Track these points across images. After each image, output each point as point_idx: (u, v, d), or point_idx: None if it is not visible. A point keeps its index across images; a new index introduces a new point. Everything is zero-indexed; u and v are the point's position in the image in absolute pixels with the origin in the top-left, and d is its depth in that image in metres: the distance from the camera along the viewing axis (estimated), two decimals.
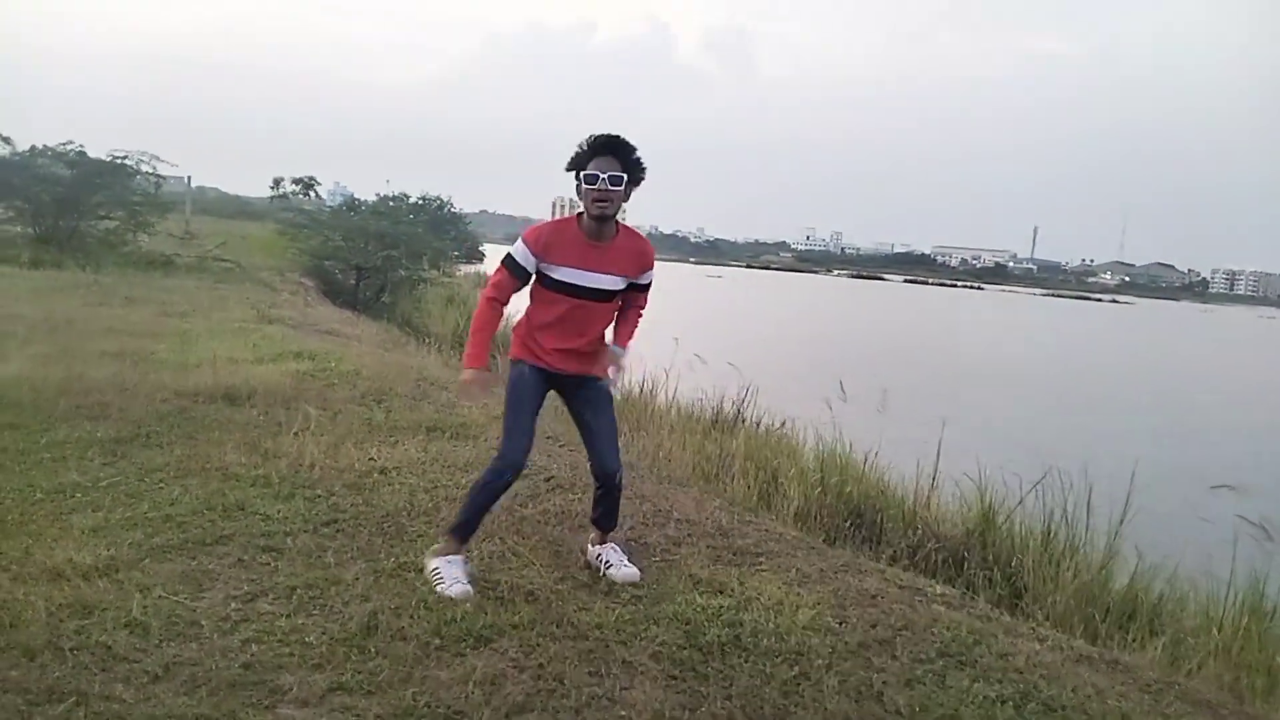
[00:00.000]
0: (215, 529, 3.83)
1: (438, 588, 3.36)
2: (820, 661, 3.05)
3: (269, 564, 3.53)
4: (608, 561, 3.69)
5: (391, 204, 34.81)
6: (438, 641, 3.00)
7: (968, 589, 5.89)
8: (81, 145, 15.53)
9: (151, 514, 3.93)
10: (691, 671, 2.94)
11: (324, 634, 2.99)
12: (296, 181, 28.29)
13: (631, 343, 3.70)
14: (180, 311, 10.41)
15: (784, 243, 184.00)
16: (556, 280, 3.43)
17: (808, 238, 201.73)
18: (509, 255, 3.48)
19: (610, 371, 3.61)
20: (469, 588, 3.37)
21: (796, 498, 6.76)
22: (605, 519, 3.77)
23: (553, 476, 4.84)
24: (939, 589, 3.89)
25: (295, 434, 5.22)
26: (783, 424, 9.87)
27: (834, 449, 8.26)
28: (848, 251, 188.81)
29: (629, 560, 3.72)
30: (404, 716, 2.57)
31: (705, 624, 3.24)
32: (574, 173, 3.39)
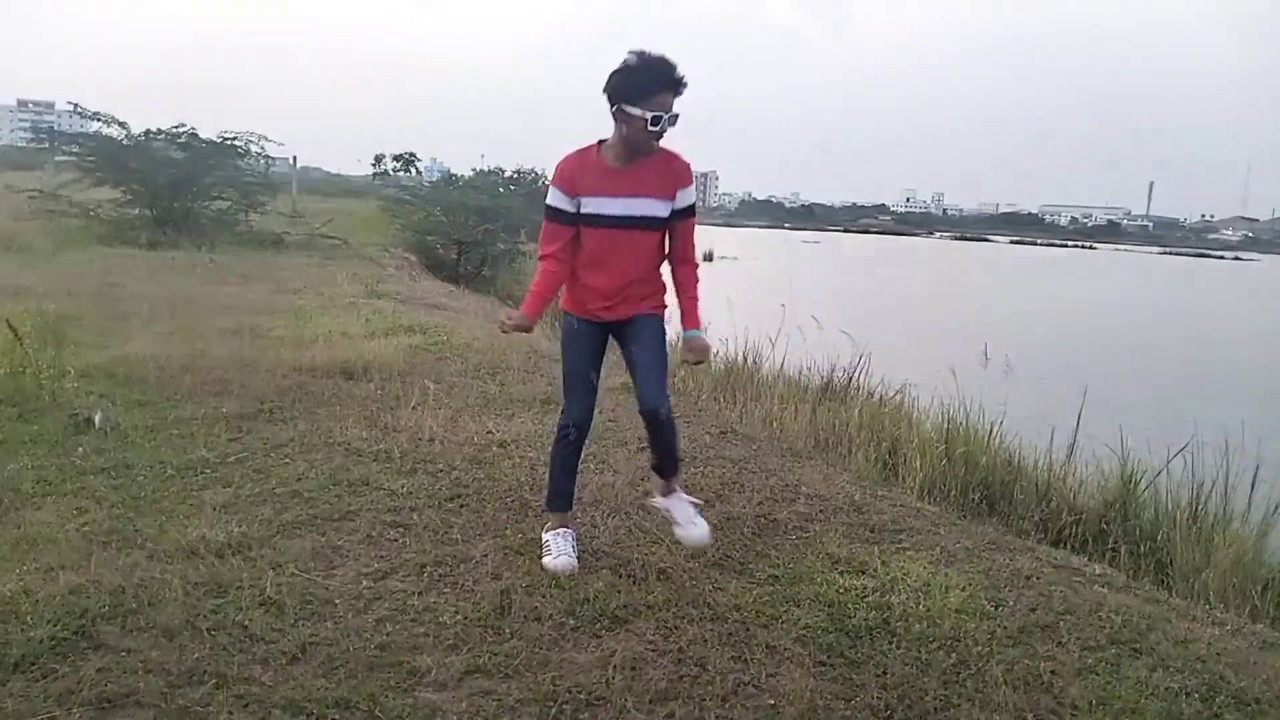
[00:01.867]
0: (342, 504, 3.81)
1: (543, 560, 3.31)
2: (979, 648, 2.84)
3: (397, 540, 3.49)
4: (675, 520, 3.41)
5: (488, 178, 35.19)
6: (572, 622, 2.90)
7: (1110, 564, 5.60)
8: (193, 128, 15.98)
9: (279, 490, 3.94)
10: (840, 657, 2.77)
11: (457, 613, 2.92)
12: (397, 158, 28.71)
13: (701, 318, 3.36)
14: (293, 288, 10.61)
15: (883, 205, 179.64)
16: (588, 215, 3.15)
17: (908, 200, 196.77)
18: (547, 205, 3.21)
19: (693, 357, 3.33)
20: (572, 560, 3.28)
21: (922, 470, 6.50)
22: (665, 465, 3.45)
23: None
24: (1098, 569, 3.64)
25: (413, 408, 5.21)
26: (898, 392, 9.54)
27: (957, 418, 7.95)
28: (950, 213, 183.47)
29: (699, 515, 3.42)
30: (544, 701, 2.47)
31: (850, 606, 3.06)
32: (621, 98, 3.01)
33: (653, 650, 2.76)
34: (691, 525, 3.40)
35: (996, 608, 3.13)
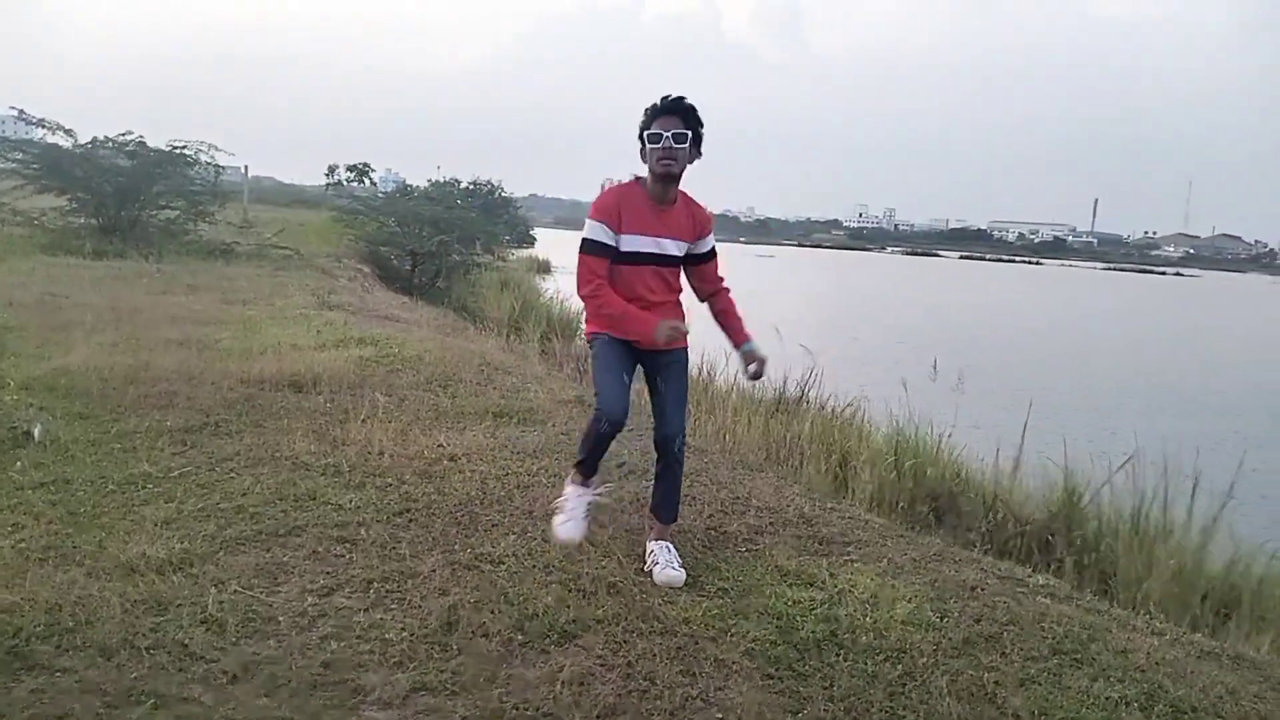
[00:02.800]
0: (288, 520, 3.75)
1: (554, 519, 3.58)
2: (925, 660, 2.87)
3: (343, 556, 3.44)
4: (655, 560, 3.44)
5: (444, 189, 34.97)
6: (520, 638, 2.88)
7: (1054, 574, 5.69)
8: (141, 136, 15.70)
9: (224, 505, 3.87)
10: (789, 670, 2.78)
11: (403, 630, 2.88)
12: (351, 169, 28.46)
13: (750, 331, 3.63)
14: (242, 299, 10.45)
15: (836, 220, 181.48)
16: (627, 252, 3.39)
17: (860, 215, 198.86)
18: (586, 240, 3.38)
19: (754, 369, 3.52)
20: (577, 533, 3.52)
21: (871, 482, 6.57)
22: (665, 505, 3.60)
23: (624, 461, 4.70)
24: (1041, 579, 3.69)
25: (363, 421, 5.15)
26: (849, 405, 9.64)
27: (907, 430, 8.05)
28: (901, 228, 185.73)
29: (678, 563, 3.45)
30: (491, 718, 2.45)
31: (798, 619, 3.08)
32: (640, 138, 3.38)
33: (601, 665, 2.75)
34: (671, 569, 3.41)
35: (942, 619, 3.16)
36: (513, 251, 37.29)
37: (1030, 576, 3.72)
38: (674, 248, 3.47)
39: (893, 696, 2.67)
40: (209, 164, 16.33)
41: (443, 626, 2.92)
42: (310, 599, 3.07)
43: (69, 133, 15.52)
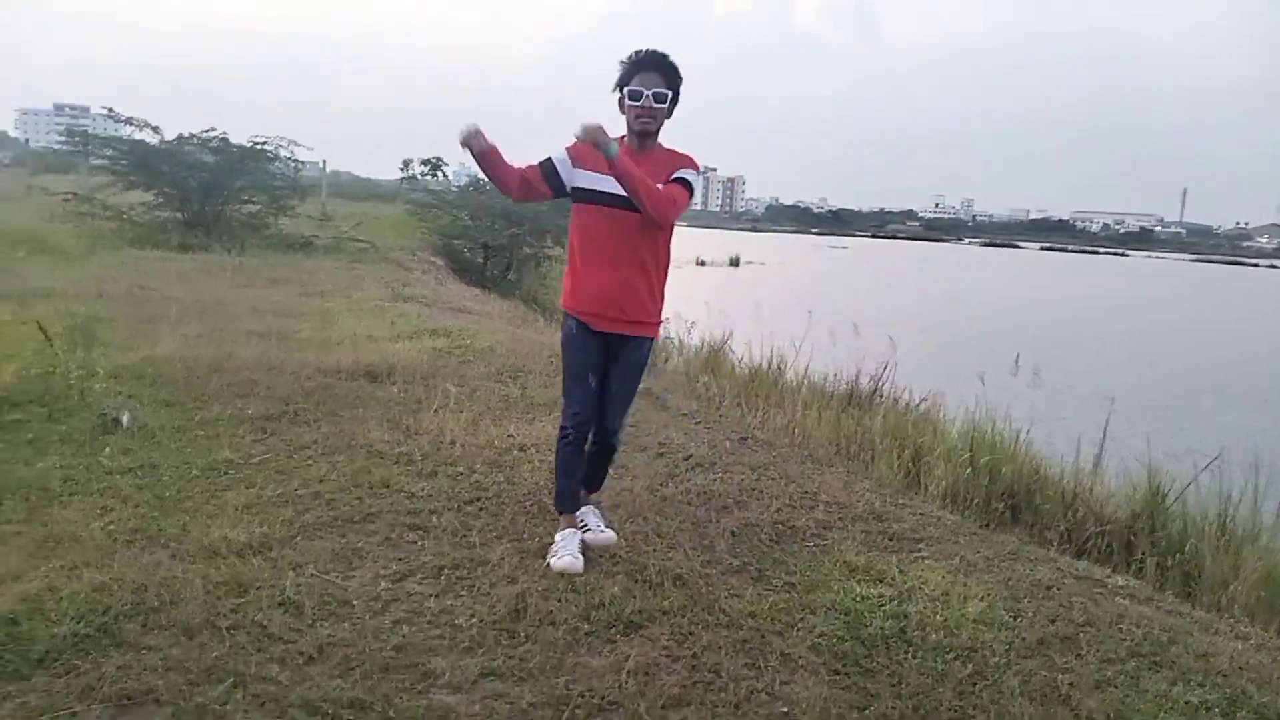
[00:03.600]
0: (363, 506, 3.84)
1: (550, 559, 3.37)
2: (997, 659, 2.82)
3: (415, 543, 3.51)
4: (584, 524, 3.57)
5: None
6: (587, 627, 2.91)
7: (1135, 575, 5.54)
8: (224, 132, 16.14)
9: (301, 491, 3.98)
10: (855, 666, 2.77)
11: (473, 616, 2.94)
12: (425, 163, 28.74)
13: (631, 171, 3.18)
14: (320, 291, 10.70)
15: (911, 211, 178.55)
16: (585, 189, 3.35)
17: (936, 205, 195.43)
18: (547, 156, 3.39)
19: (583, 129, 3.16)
20: (576, 561, 3.35)
21: (945, 478, 6.46)
22: (591, 478, 3.70)
23: (691, 455, 4.71)
24: (1120, 580, 3.59)
25: (435, 411, 5.24)
26: (923, 400, 9.50)
27: (983, 426, 7.91)
28: (979, 219, 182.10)
29: (606, 525, 3.61)
30: (557, 705, 2.48)
31: (867, 615, 3.05)
32: (617, 90, 3.32)
33: (667, 656, 2.77)
34: (601, 531, 3.56)
35: (1015, 618, 3.11)
36: None
37: (1109, 577, 3.62)
38: None
39: (962, 695, 2.63)
40: (288, 159, 16.71)
41: (511, 614, 2.96)
42: (383, 584, 3.15)
43: (156, 130, 16.05)
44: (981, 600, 3.18)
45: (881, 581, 3.32)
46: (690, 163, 3.45)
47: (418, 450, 4.58)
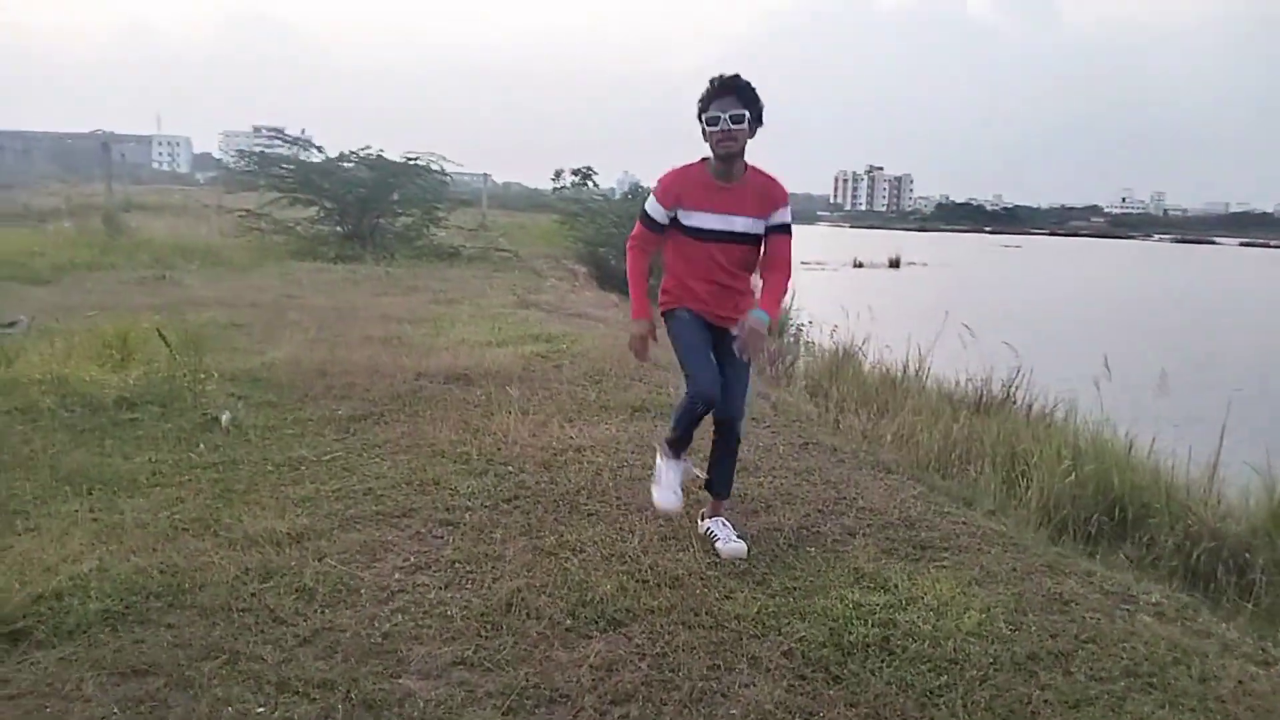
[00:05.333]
0: (406, 502, 4.06)
1: (652, 488, 3.69)
2: (975, 673, 2.73)
3: (442, 537, 3.69)
4: (714, 535, 3.66)
5: None
6: (569, 622, 3.00)
7: (1247, 597, 5.15)
8: (381, 149, 17.13)
9: (357, 487, 4.24)
10: (823, 673, 2.73)
11: (466, 608, 3.07)
12: (575, 172, 29.64)
13: (777, 309, 3.61)
14: (450, 298, 11.21)
15: (1095, 206, 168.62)
16: (690, 227, 3.47)
17: (1123, 200, 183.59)
18: (643, 209, 3.56)
19: (740, 334, 3.38)
20: (678, 500, 3.62)
21: (1044, 487, 6.16)
22: (719, 482, 3.77)
23: (739, 459, 4.69)
24: (1155, 596, 3.37)
25: (508, 413, 5.45)
26: (1053, 408, 9.06)
27: (1096, 433, 7.50)
28: (1171, 214, 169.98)
29: (737, 535, 3.66)
30: (512, 694, 2.58)
31: (854, 622, 3.00)
32: (699, 119, 3.41)
33: (635, 653, 2.82)
34: (731, 541, 3.62)
35: (1013, 631, 2.98)
36: None
37: (1145, 593, 3.40)
38: (742, 224, 3.47)
39: (923, 708, 2.56)
40: (438, 173, 17.53)
41: (502, 607, 3.09)
42: (397, 575, 3.34)
43: (320, 149, 17.23)
44: (982, 611, 3.07)
45: (884, 589, 3.25)
46: (783, 197, 3.57)
47: (477, 450, 4.78)
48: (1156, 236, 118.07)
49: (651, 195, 3.55)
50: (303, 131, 18.08)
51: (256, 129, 22.42)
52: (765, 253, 3.57)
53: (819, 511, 4.06)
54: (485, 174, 33.95)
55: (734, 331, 3.46)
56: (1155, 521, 6.03)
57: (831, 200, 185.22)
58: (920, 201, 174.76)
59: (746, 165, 3.48)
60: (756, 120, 3.39)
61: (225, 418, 5.19)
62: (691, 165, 3.52)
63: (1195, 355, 16.51)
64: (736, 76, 3.40)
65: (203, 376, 5.85)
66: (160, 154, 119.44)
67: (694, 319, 3.56)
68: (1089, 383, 9.57)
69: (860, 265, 40.57)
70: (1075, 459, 6.49)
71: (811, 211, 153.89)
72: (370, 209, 16.59)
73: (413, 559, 3.48)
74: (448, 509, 3.99)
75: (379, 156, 16.99)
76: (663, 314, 3.68)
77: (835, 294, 18.70)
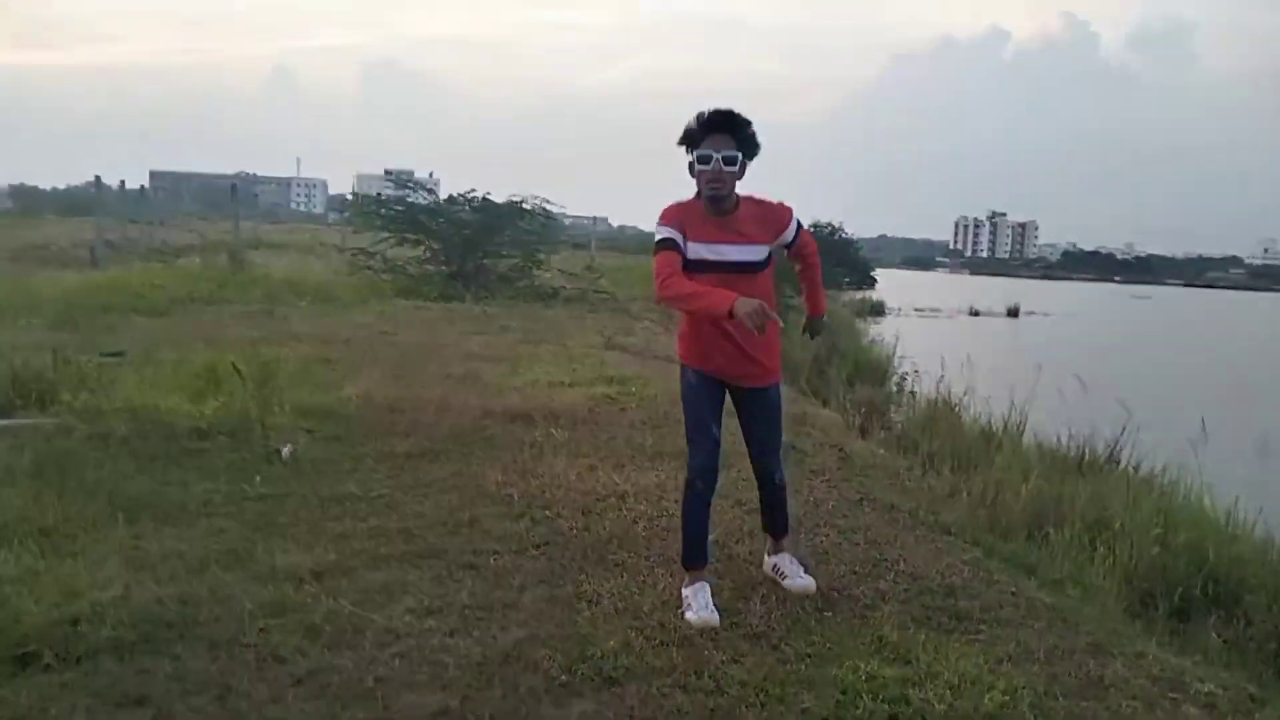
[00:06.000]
0: (437, 543, 4.05)
1: (686, 614, 3.34)
2: None
3: (462, 581, 3.65)
4: (782, 572, 3.66)
5: None
6: (565, 678, 2.90)
7: None
8: (488, 192, 17.56)
9: (394, 525, 4.25)
10: None
11: (465, 657, 3.01)
12: None
13: (822, 301, 3.80)
14: (538, 338, 11.31)
15: (1234, 257, 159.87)
16: (692, 260, 3.30)
17: (1265, 251, 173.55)
18: (658, 240, 3.33)
19: (813, 328, 3.76)
20: (713, 615, 3.31)
21: (1127, 554, 5.75)
22: (775, 524, 3.74)
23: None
24: (1210, 686, 3.05)
25: (561, 456, 5.41)
26: (1160, 471, 8.52)
27: (1195, 499, 7.01)
28: None
29: (806, 571, 3.68)
30: None
31: (863, 696, 2.81)
32: (686, 150, 3.28)
33: (625, 715, 2.71)
34: (800, 578, 3.64)
35: (1036, 717, 2.74)
36: (849, 293, 37.00)
37: (1198, 681, 3.09)
38: (738, 253, 3.31)
39: None
40: (541, 215, 17.84)
41: (500, 658, 3.01)
42: (407, 618, 3.31)
43: (430, 191, 17.76)
44: (1006, 693, 2.83)
45: (904, 661, 3.04)
46: (788, 215, 3.49)
47: (519, 492, 4.75)
48: None
49: (659, 226, 3.35)
50: (430, 175, 18.86)
51: (387, 172, 23.36)
52: (799, 253, 3.58)
53: (854, 573, 3.86)
54: (595, 217, 34.46)
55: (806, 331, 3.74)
56: (1253, 599, 5.55)
57: (951, 246, 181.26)
58: (1045, 249, 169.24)
59: (737, 197, 3.33)
60: (750, 156, 3.26)
61: (286, 451, 5.31)
62: (687, 201, 3.38)
63: None
64: (732, 113, 3.23)
65: (276, 410, 6.01)
66: (298, 195, 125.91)
67: (703, 383, 3.45)
68: (1202, 446, 8.98)
69: (976, 313, 39.44)
70: (1167, 526, 6.05)
71: (930, 257, 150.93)
72: (474, 250, 16.98)
73: (427, 602, 3.44)
74: (475, 552, 3.95)
75: (484, 199, 17.41)
76: (680, 364, 3.59)
77: (945, 342, 18.18)
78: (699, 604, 3.35)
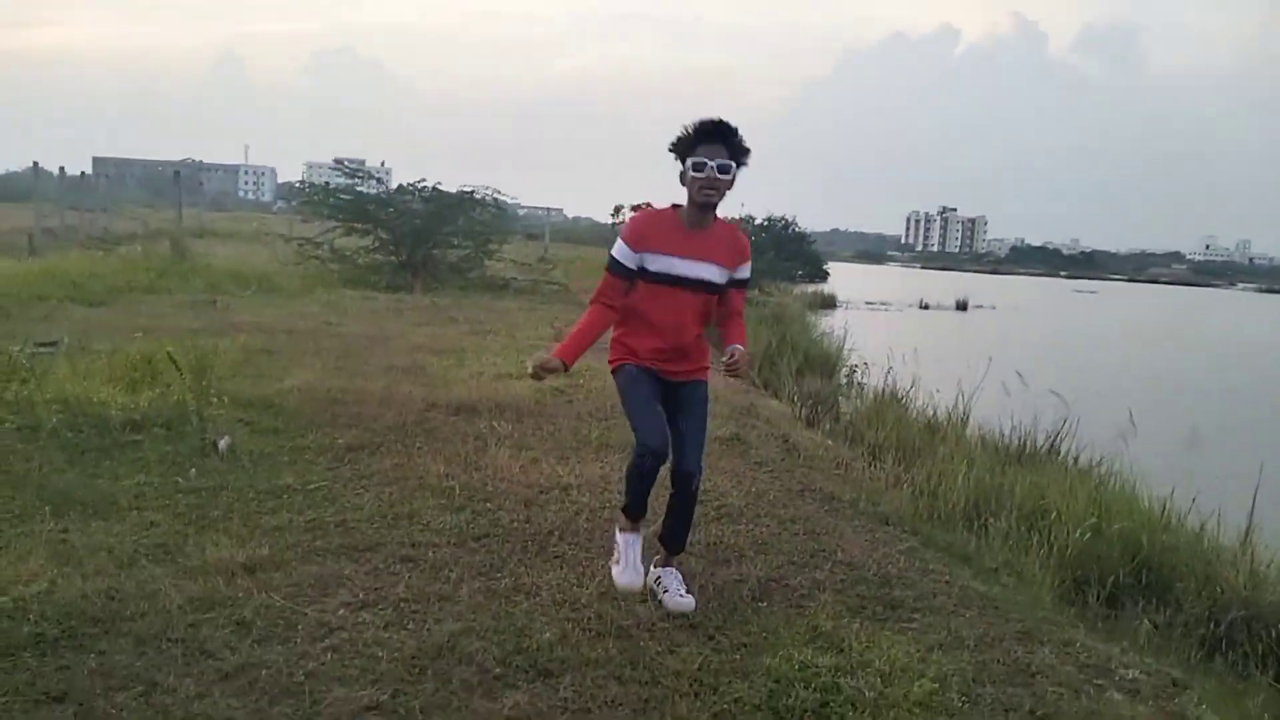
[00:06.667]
0: (375, 536, 4.00)
1: (611, 567, 3.48)
2: None
3: (398, 574, 3.61)
4: (664, 587, 3.46)
5: (741, 226, 35.33)
6: (499, 670, 2.89)
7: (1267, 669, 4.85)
8: (438, 182, 17.40)
9: (330, 518, 4.20)
10: None
11: (398, 650, 2.98)
12: (634, 208, 29.85)
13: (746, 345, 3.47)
14: (487, 330, 11.24)
15: (1176, 253, 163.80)
16: (655, 272, 3.33)
17: (1207, 247, 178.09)
18: (610, 256, 3.40)
19: (736, 357, 3.32)
20: (640, 578, 3.40)
21: (1062, 543, 5.87)
22: (673, 536, 3.54)
23: (725, 504, 4.58)
24: (1134, 672, 3.13)
25: (505, 448, 5.39)
26: (1096, 462, 8.71)
27: (1129, 490, 7.18)
28: (1258, 262, 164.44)
29: (687, 590, 3.46)
30: None
31: (796, 685, 2.84)
32: (677, 158, 3.29)
33: (557, 706, 2.71)
34: (680, 596, 3.43)
35: (965, 705, 2.79)
36: (799, 287, 37.23)
37: (1124, 668, 3.17)
38: (709, 272, 3.36)
39: None
40: (491, 205, 17.72)
41: (434, 651, 2.99)
42: (341, 611, 3.27)
43: (380, 180, 17.55)
44: (935, 680, 2.88)
45: (837, 650, 3.08)
46: (748, 251, 3.50)
47: (461, 485, 4.72)
48: (1241, 285, 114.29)
49: (619, 240, 3.41)
50: (381, 164, 18.58)
51: (338, 161, 22.94)
52: (723, 304, 3.48)
53: (791, 563, 3.90)
54: (549, 208, 34.32)
55: (724, 358, 3.35)
56: (1183, 586, 5.70)
57: (903, 241, 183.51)
58: (994, 244, 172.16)
59: (716, 216, 3.38)
60: (741, 166, 3.29)
61: (223, 443, 5.21)
62: (663, 210, 3.41)
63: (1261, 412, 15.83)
64: (727, 124, 3.26)
65: (214, 401, 5.90)
66: (246, 183, 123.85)
67: (642, 373, 3.45)
68: (1133, 438, 9.19)
69: (926, 307, 39.94)
70: (1102, 515, 6.19)
71: (881, 251, 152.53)
72: (424, 240, 16.81)
73: (362, 595, 3.41)
74: (414, 544, 3.92)
75: (435, 189, 17.25)
76: (612, 370, 3.58)
77: (893, 336, 18.42)
78: (627, 560, 3.44)
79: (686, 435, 3.42)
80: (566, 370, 3.36)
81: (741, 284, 3.50)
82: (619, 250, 3.38)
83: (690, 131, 3.27)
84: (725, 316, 3.50)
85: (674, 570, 3.54)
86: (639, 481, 3.47)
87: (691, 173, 3.25)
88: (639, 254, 3.34)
